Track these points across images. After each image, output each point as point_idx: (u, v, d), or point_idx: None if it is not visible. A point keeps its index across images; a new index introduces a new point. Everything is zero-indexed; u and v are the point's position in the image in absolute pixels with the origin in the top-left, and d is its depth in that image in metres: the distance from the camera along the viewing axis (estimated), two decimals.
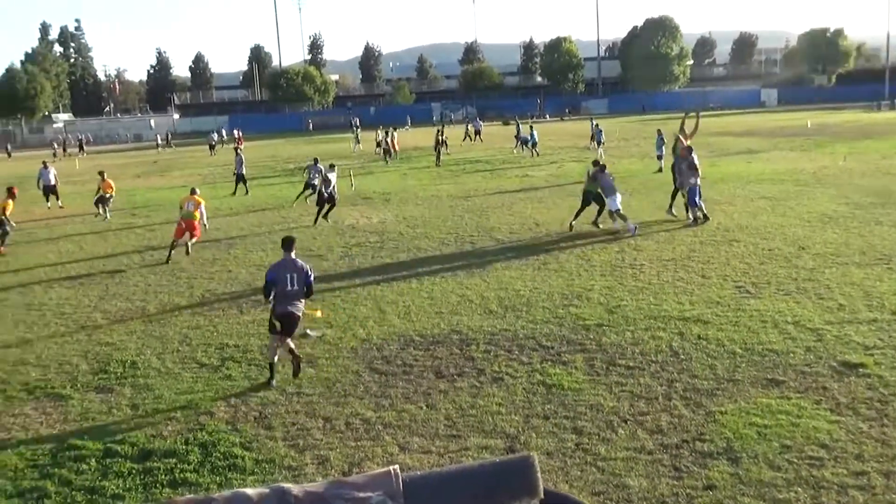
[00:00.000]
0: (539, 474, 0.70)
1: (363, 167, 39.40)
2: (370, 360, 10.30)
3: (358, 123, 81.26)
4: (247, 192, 30.27)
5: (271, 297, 9.72)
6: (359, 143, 54.44)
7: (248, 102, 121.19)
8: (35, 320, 13.32)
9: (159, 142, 74.62)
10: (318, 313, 11.40)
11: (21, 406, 9.39)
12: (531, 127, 44.00)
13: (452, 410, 8.45)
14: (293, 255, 10.00)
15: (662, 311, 11.70)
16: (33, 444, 8.21)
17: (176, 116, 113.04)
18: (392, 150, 43.33)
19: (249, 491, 0.73)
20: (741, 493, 6.38)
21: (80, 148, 70.11)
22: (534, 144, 41.12)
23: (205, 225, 19.71)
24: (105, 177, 26.35)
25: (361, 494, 0.72)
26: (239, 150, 34.39)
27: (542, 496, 0.71)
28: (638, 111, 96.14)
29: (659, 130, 32.32)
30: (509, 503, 0.69)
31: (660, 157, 30.58)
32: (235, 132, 67.14)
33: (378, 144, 47.48)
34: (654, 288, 13.05)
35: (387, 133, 44.60)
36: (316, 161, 26.92)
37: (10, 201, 21.29)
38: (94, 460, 7.69)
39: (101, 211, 25.95)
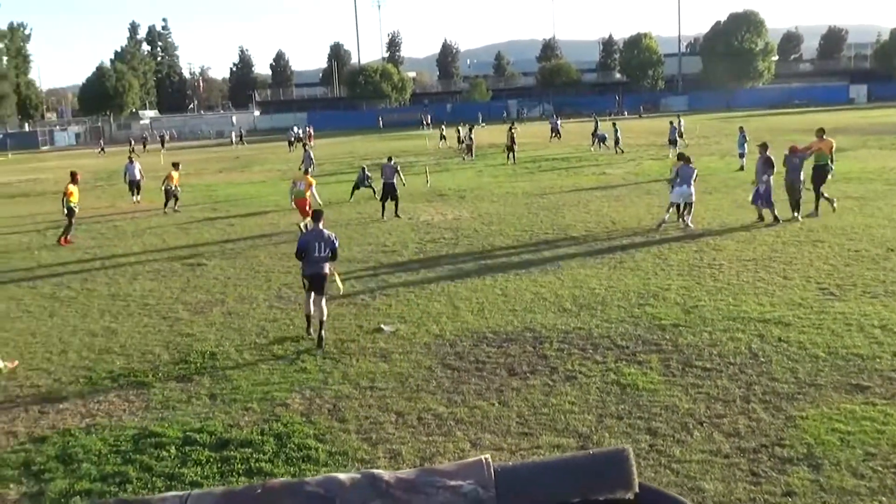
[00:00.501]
0: (634, 468, 0.68)
1: (438, 164, 39.53)
2: (443, 355, 10.32)
3: (429, 121, 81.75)
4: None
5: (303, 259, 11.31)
6: (444, 139, 54.43)
7: (326, 100, 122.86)
8: (120, 310, 13.76)
9: (234, 139, 76.06)
10: (338, 280, 12.54)
11: (105, 393, 9.71)
12: (614, 124, 43.34)
13: (525, 408, 8.40)
14: (321, 225, 11.60)
15: (742, 312, 11.42)
16: (116, 431, 8.48)
17: (257, 113, 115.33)
18: (466, 147, 43.30)
19: (341, 476, 0.74)
20: (822, 500, 6.18)
21: (162, 144, 71.88)
22: (616, 142, 40.58)
23: (319, 202, 20.59)
24: (177, 168, 27.21)
25: (452, 483, 0.72)
26: (307, 147, 34.90)
27: (636, 490, 0.69)
28: (719, 108, 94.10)
29: (741, 128, 31.58)
30: (603, 496, 0.68)
31: (742, 156, 29.89)
32: (304, 130, 67.91)
33: (460, 141, 47.60)
34: (733, 288, 12.75)
35: (470, 129, 44.58)
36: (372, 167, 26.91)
37: (74, 187, 21.72)
38: (173, 448, 7.89)
39: (170, 204, 26.69)
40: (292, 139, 62.57)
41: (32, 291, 15.45)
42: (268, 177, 34.13)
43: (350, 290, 14.10)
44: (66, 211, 21.29)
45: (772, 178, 18.47)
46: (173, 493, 0.75)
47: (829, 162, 19.76)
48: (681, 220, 18.59)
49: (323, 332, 11.07)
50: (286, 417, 8.54)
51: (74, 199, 21.45)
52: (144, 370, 10.43)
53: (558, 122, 56.50)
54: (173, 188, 26.55)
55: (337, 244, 11.45)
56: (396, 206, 22.66)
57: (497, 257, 16.37)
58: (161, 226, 23.75)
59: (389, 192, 22.47)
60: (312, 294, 11.31)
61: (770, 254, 15.11)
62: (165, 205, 26.65)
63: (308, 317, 11.48)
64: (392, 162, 23.26)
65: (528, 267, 15.19)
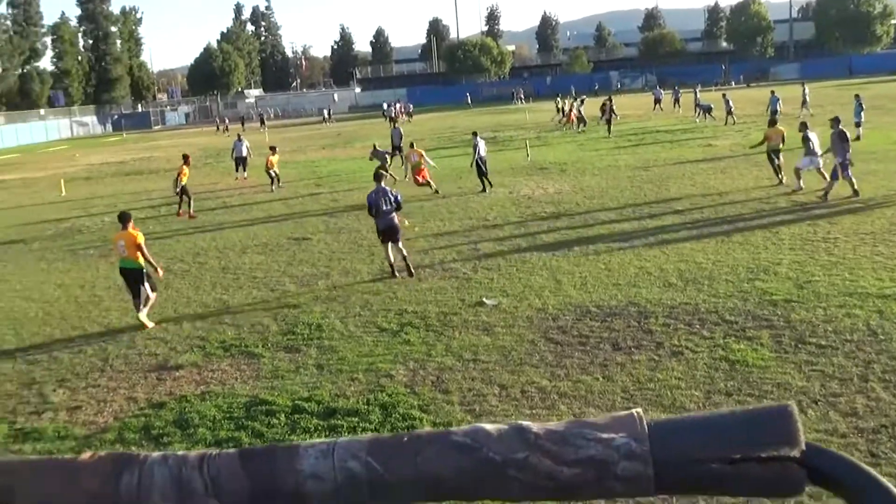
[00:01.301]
0: (800, 425, 0.64)
1: (539, 137, 39.19)
2: (546, 329, 10.27)
3: (522, 95, 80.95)
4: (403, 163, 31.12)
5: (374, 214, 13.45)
6: (560, 112, 51.92)
7: (426, 75, 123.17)
8: (230, 283, 14.21)
9: (325, 116, 76.53)
10: (407, 222, 14.60)
11: (218, 362, 10.06)
12: (724, 95, 41.89)
13: (629, 383, 8.29)
14: (382, 184, 13.73)
15: (859, 287, 10.94)
16: (229, 398, 8.78)
17: (358, 90, 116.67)
18: (576, 119, 42.57)
19: (488, 426, 0.73)
20: None
21: (261, 123, 73.06)
22: (729, 112, 39.26)
23: (432, 165, 23.35)
24: (275, 151, 27.60)
25: (604, 435, 0.70)
26: (397, 124, 35.04)
27: (803, 448, 0.65)
28: (833, 76, 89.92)
29: (857, 96, 30.13)
30: (766, 453, 0.64)
31: (858, 125, 28.54)
32: (397, 105, 67.96)
33: (559, 111, 47.08)
34: (849, 263, 12.23)
35: (582, 102, 43.87)
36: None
37: (186, 167, 22.46)
38: (283, 415, 8.12)
39: (273, 186, 26.78)
40: (393, 115, 63.01)
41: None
42: (369, 153, 34.49)
43: (451, 265, 14.17)
44: (178, 190, 22.15)
45: (848, 152, 17.53)
46: (321, 440, 0.75)
47: None
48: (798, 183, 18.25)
49: (410, 265, 13.38)
50: (391, 388, 8.67)
51: (185, 179, 22.24)
52: (254, 341, 10.76)
53: (661, 93, 54.96)
54: (273, 171, 26.96)
55: (400, 198, 13.65)
56: (486, 180, 22.85)
57: (599, 231, 16.15)
58: (267, 202, 24.35)
59: (481, 167, 22.65)
60: (389, 244, 13.41)
61: (889, 227, 14.40)
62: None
63: (391, 264, 13.46)
64: (477, 137, 23.30)
65: (632, 241, 14.93)
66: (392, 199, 13.38)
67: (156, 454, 0.80)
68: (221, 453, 0.80)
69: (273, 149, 27.91)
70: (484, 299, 11.75)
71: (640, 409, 0.79)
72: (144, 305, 11.80)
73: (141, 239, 11.81)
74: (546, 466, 0.74)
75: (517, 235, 16.40)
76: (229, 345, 10.68)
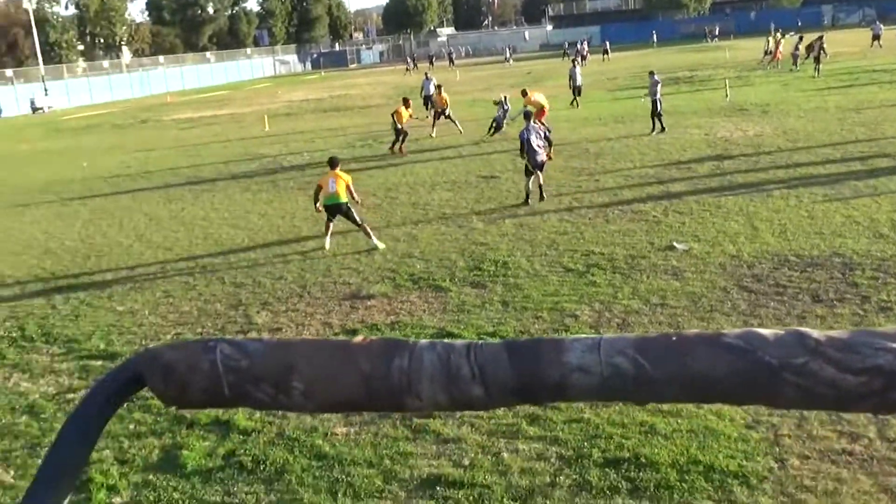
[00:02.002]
0: None
1: (739, 77, 37.15)
2: (739, 277, 9.85)
3: (717, 32, 76.82)
4: (573, 103, 30.37)
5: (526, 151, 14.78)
6: (769, 54, 48.17)
7: (620, 12, 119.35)
8: (420, 218, 14.57)
9: (507, 55, 74.82)
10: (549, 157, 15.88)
11: (407, 294, 10.39)
12: None
13: None
14: (532, 122, 15.46)
15: None
16: (417, 328, 9.07)
17: (549, 28, 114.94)
18: (792, 57, 39.59)
19: (762, 330, 0.71)
20: None
21: (450, 61, 73.39)
22: None
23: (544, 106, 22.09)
24: (441, 91, 27.24)
25: (894, 345, 0.66)
26: (577, 63, 34.22)
27: None
28: None
29: None
30: None
31: None
32: (579, 45, 65.76)
33: (766, 53, 44.08)
34: None
35: (800, 38, 40.53)
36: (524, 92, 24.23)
37: (404, 109, 22.82)
38: None
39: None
40: (584, 53, 61.62)
41: None
42: (559, 91, 33.98)
43: (641, 207, 13.84)
44: (396, 128, 22.46)
45: None
46: (584, 335, 0.77)
47: None
48: None
49: (543, 191, 14.96)
50: (575, 328, 8.64)
51: (403, 119, 22.44)
52: (442, 275, 11.01)
53: (881, 28, 50.44)
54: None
55: (551, 134, 15.72)
56: (661, 122, 21.94)
57: (803, 176, 15.20)
58: (456, 140, 24.59)
59: (655, 107, 21.86)
60: (538, 173, 14.84)
61: None
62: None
63: (528, 192, 14.88)
64: (655, 77, 22.25)
65: (839, 187, 13.96)
66: (543, 134, 15.13)
67: (424, 341, 0.83)
68: (488, 343, 0.81)
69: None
70: (674, 243, 11.41)
71: None
72: (366, 233, 12.77)
73: (349, 179, 13.01)
74: (828, 373, 0.72)
75: (712, 179, 15.74)
76: (418, 278, 10.99)
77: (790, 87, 31.31)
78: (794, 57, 38.88)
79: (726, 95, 28.47)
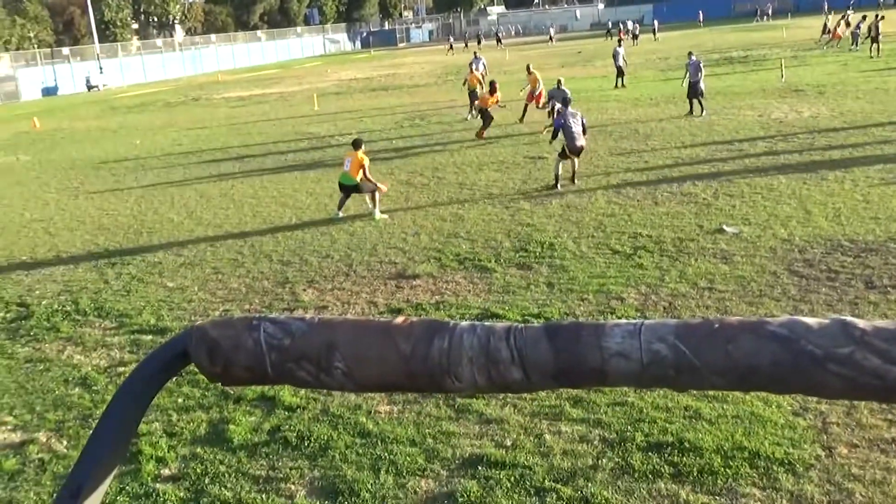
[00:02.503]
0: None
1: (796, 56, 36.32)
2: (790, 261, 9.68)
3: (770, 11, 75.09)
4: (618, 84, 29.97)
5: (561, 135, 14.80)
6: (828, 32, 46.12)
7: None
8: (466, 198, 14.56)
9: (552, 34, 73.13)
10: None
11: (453, 274, 10.40)
12: None
13: None
14: (570, 108, 15.08)
15: None
16: (462, 308, 9.08)
17: (601, 6, 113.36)
18: (851, 37, 38.49)
19: (807, 319, 0.71)
20: None
21: (498, 41, 72.67)
22: None
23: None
24: (472, 69, 26.78)
25: None
26: (621, 42, 33.77)
27: None
28: None
29: None
30: None
31: None
32: (630, 24, 64.37)
33: (825, 31, 42.85)
34: None
35: (863, 17, 39.27)
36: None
37: (493, 95, 21.99)
38: None
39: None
40: (636, 32, 60.73)
41: (390, 177, 16.77)
42: (608, 71, 33.61)
43: (690, 189, 13.65)
44: (482, 112, 21.89)
45: None
46: (625, 320, 0.77)
47: None
48: None
49: (576, 177, 14.84)
50: (621, 311, 8.58)
51: (492, 102, 22.00)
52: (487, 255, 11.00)
53: None
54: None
55: (585, 121, 15.17)
56: (701, 105, 21.40)
57: (859, 159, 14.84)
58: (503, 119, 24.45)
59: (694, 92, 21.43)
60: (573, 158, 14.79)
61: None
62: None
63: (558, 177, 14.69)
64: (693, 58, 21.71)
65: None
66: (580, 120, 14.85)
67: (464, 323, 0.84)
68: (528, 326, 0.82)
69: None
70: (724, 226, 11.24)
71: None
72: (372, 203, 13.69)
73: (366, 162, 13.53)
74: (873, 364, 0.71)
75: (764, 161, 15.44)
76: (463, 258, 11.00)
77: (849, 68, 30.54)
78: (854, 36, 37.86)
79: (782, 76, 27.88)
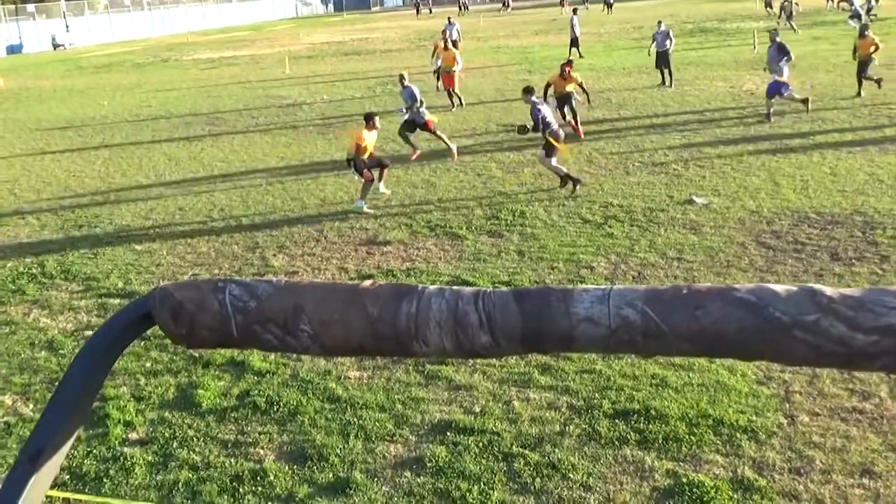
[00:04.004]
0: None
1: (768, 29, 36.32)
2: (758, 232, 9.79)
3: None
4: (575, 54, 29.52)
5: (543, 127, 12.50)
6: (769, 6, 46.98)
7: None
8: (438, 165, 14.51)
9: (504, 3, 72.10)
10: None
11: (424, 241, 10.40)
12: None
13: None
14: (534, 96, 12.80)
15: None
16: (433, 276, 9.10)
17: None
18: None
19: (775, 286, 0.71)
20: None
21: (464, 7, 71.33)
22: None
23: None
24: (444, 45, 23.09)
25: None
26: (576, 11, 32.52)
27: None
28: None
29: None
30: None
31: None
32: None
33: (767, 5, 42.70)
34: None
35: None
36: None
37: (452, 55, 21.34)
38: None
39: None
40: (609, 1, 60.31)
41: None
42: (582, 41, 33.51)
43: (661, 159, 13.71)
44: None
45: None
46: (594, 286, 0.76)
47: None
48: None
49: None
50: (590, 279, 8.63)
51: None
52: (459, 222, 11.00)
53: None
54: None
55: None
56: (670, 75, 21.37)
57: (828, 132, 14.98)
58: (479, 86, 24.35)
59: (663, 61, 21.29)
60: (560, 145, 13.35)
61: None
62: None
63: (565, 172, 12.74)
64: (662, 27, 21.67)
65: (864, 144, 13.76)
66: (553, 105, 14.79)
67: (433, 287, 0.83)
68: (496, 291, 0.82)
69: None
70: (694, 197, 11.33)
71: None
72: (380, 179, 12.69)
73: (362, 141, 12.04)
74: (839, 331, 0.71)
75: (735, 132, 15.54)
76: (435, 225, 10.99)
77: (820, 41, 30.69)
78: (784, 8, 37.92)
79: (754, 47, 27.97)
